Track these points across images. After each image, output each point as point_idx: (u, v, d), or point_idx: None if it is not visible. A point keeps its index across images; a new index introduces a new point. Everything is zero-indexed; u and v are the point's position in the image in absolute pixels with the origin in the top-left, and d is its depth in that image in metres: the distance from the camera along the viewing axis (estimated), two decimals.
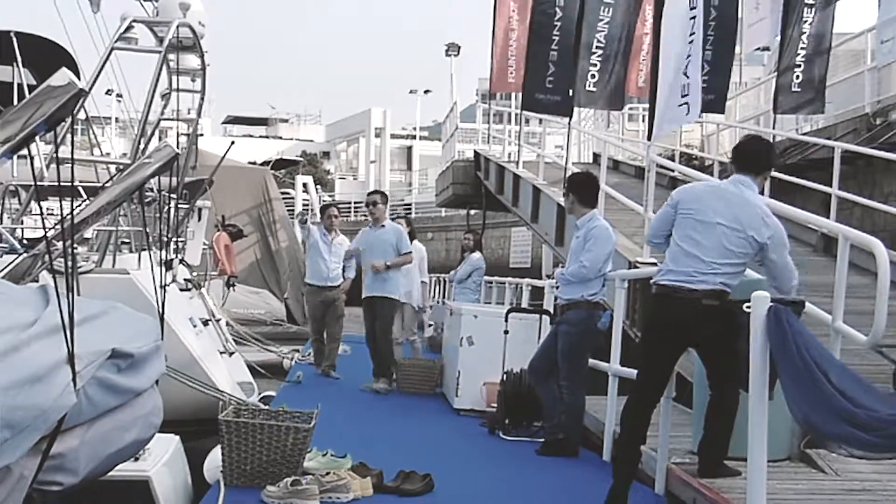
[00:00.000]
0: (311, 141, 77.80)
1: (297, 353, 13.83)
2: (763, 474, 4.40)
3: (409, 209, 45.19)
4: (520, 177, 15.95)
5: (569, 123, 14.79)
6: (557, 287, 8.15)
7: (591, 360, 7.96)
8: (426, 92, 68.26)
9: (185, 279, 11.70)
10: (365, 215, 50.29)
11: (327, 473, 6.07)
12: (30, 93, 3.99)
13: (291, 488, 5.74)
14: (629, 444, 5.98)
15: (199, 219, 16.43)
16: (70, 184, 3.88)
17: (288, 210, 26.24)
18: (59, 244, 5.45)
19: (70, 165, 3.84)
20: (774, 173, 12.92)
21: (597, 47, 13.57)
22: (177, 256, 11.82)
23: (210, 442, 6.90)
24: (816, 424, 3.99)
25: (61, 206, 3.93)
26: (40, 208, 9.05)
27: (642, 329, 6.50)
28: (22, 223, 11.78)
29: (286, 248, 22.51)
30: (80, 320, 3.24)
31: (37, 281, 6.05)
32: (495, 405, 9.00)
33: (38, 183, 8.54)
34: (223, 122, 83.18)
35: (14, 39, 11.01)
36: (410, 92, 67.97)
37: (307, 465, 6.29)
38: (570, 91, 14.09)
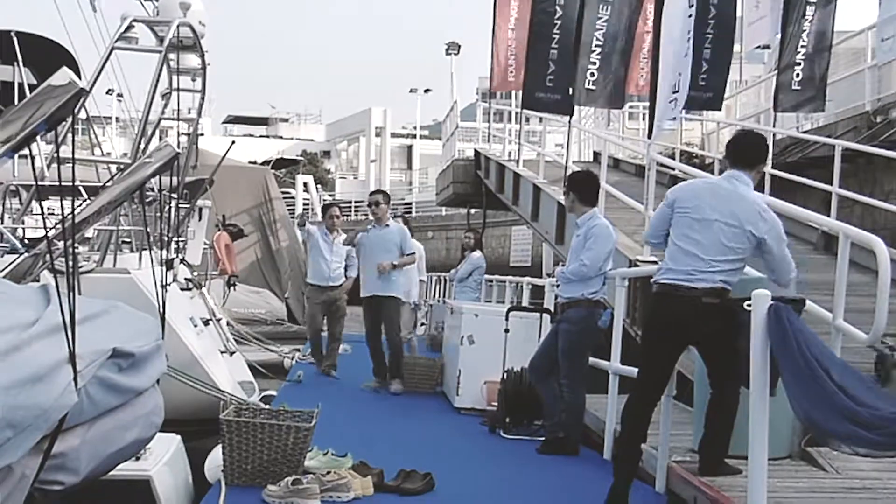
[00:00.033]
0: (312, 140, 77.83)
1: (298, 353, 13.83)
2: (764, 472, 4.40)
3: (410, 208, 45.22)
4: (520, 175, 15.95)
5: (569, 122, 14.79)
6: (558, 285, 8.15)
7: (591, 359, 7.96)
8: (426, 91, 68.32)
9: (185, 279, 11.69)
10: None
11: (328, 472, 6.07)
12: (30, 92, 3.99)
13: (292, 487, 5.74)
14: (630, 443, 5.98)
15: (200, 218, 16.42)
16: (71, 183, 3.88)
17: (288, 209, 26.25)
18: (60, 244, 5.46)
19: (71, 165, 3.84)
20: (775, 171, 12.96)
21: (596, 45, 13.57)
22: (177, 256, 11.82)
23: (211, 441, 6.90)
24: (818, 422, 3.99)
25: (62, 205, 3.93)
26: (41, 208, 9.06)
27: (643, 328, 6.50)
28: (23, 223, 11.79)
29: (287, 247, 22.49)
30: (81, 320, 3.24)
31: (38, 280, 6.05)
32: (496, 404, 9.00)
33: (39, 182, 8.54)
34: (223, 122, 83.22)
35: (15, 39, 11.01)
36: (410, 91, 68.05)
37: (308, 465, 6.29)
38: (571, 89, 14.09)
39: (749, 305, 4.46)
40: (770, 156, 13.25)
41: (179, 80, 11.30)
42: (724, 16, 14.16)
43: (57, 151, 7.92)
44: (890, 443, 3.72)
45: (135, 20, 10.53)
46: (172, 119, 11.30)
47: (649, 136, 9.98)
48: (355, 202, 53.05)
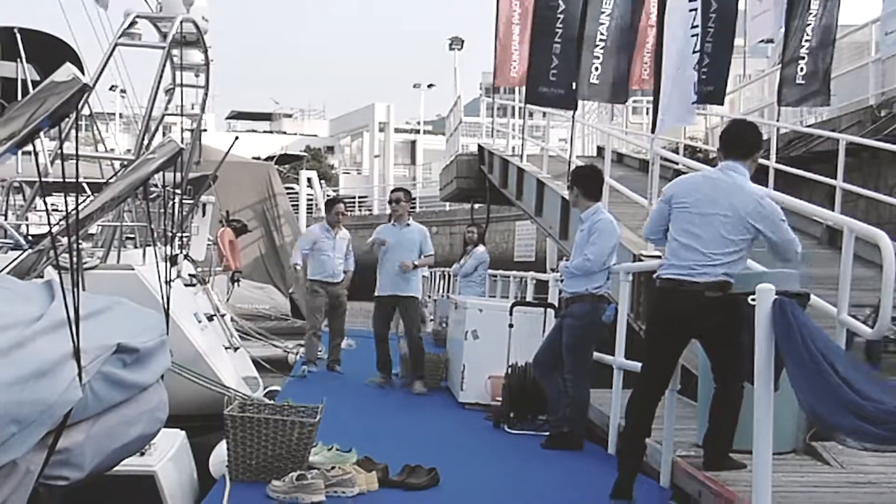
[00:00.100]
0: (315, 136, 77.73)
1: (302, 348, 13.84)
2: (768, 467, 4.40)
3: (413, 204, 45.19)
4: (524, 170, 15.94)
5: (572, 117, 14.77)
6: (562, 280, 8.15)
7: (595, 354, 7.95)
8: (430, 86, 68.32)
9: (189, 274, 11.69)
10: (369, 210, 50.46)
11: (333, 468, 6.08)
12: (33, 89, 3.99)
13: (297, 483, 5.75)
14: (634, 437, 5.98)
15: (204, 214, 16.41)
16: (74, 180, 3.88)
17: (292, 205, 26.25)
18: (64, 240, 5.46)
19: (74, 161, 3.85)
20: (779, 165, 12.96)
21: (600, 40, 13.55)
22: (181, 252, 11.82)
23: (215, 437, 6.92)
24: (823, 416, 3.99)
25: (66, 202, 3.94)
26: (45, 204, 9.05)
27: (646, 323, 6.50)
28: (27, 219, 11.78)
29: (291, 243, 22.50)
30: (85, 315, 3.24)
31: (42, 277, 6.05)
32: (500, 399, 9.01)
33: (43, 179, 8.56)
34: (227, 118, 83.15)
35: (18, 35, 11.00)
36: (414, 86, 68.02)
37: (312, 460, 6.30)
38: (574, 84, 14.07)
39: (753, 300, 4.46)
40: (773, 149, 13.30)
41: (183, 76, 11.29)
42: (726, 9, 14.12)
43: (60, 148, 7.91)
44: (895, 437, 3.72)
45: (138, 16, 10.51)
46: (176, 115, 11.32)
47: (653, 131, 9.96)
48: (359, 197, 53.08)
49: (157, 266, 5.79)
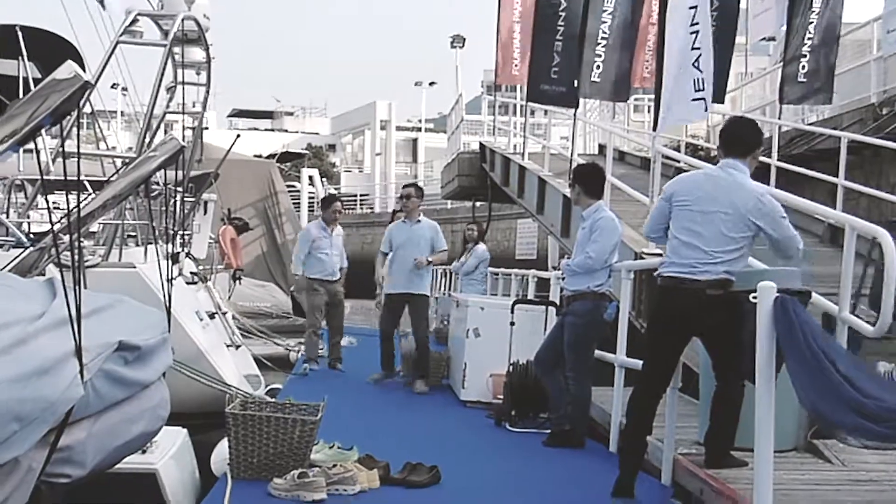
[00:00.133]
0: (317, 134, 77.78)
1: (303, 346, 13.83)
2: (770, 465, 4.40)
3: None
4: (525, 168, 15.93)
5: (574, 114, 14.77)
6: (563, 278, 8.15)
7: (597, 352, 7.96)
8: (431, 84, 68.28)
9: (191, 272, 11.70)
10: (371, 208, 50.47)
11: (334, 465, 6.08)
12: (35, 86, 3.99)
13: (298, 480, 5.75)
14: (635, 435, 5.98)
15: (205, 212, 16.40)
16: (76, 178, 3.88)
17: (294, 203, 26.26)
18: (66, 238, 5.46)
19: (76, 159, 3.84)
20: (780, 163, 12.95)
21: (602, 38, 13.55)
22: (183, 250, 11.81)
23: (217, 435, 6.91)
24: (825, 413, 3.99)
25: (67, 199, 3.94)
26: (46, 202, 9.07)
27: (647, 321, 6.50)
28: (28, 217, 11.79)
29: (292, 241, 22.50)
30: (86, 313, 3.24)
31: (43, 274, 6.05)
32: (501, 397, 9.01)
33: (45, 177, 8.55)
34: (229, 116, 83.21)
35: (19, 33, 10.99)
36: (415, 84, 68.00)
37: (314, 458, 6.30)
38: (576, 82, 14.08)
39: (755, 298, 4.45)
40: (775, 147, 13.29)
41: (184, 74, 11.29)
42: (727, 7, 14.14)
43: (62, 145, 7.91)
44: None
45: (139, 14, 10.53)
46: (177, 113, 11.31)
47: (654, 129, 9.96)
48: (360, 196, 53.11)
49: (159, 264, 5.79)
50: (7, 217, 10.79)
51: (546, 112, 18.01)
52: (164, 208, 9.81)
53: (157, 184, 9.47)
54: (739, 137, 5.97)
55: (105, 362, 3.31)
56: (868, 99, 14.08)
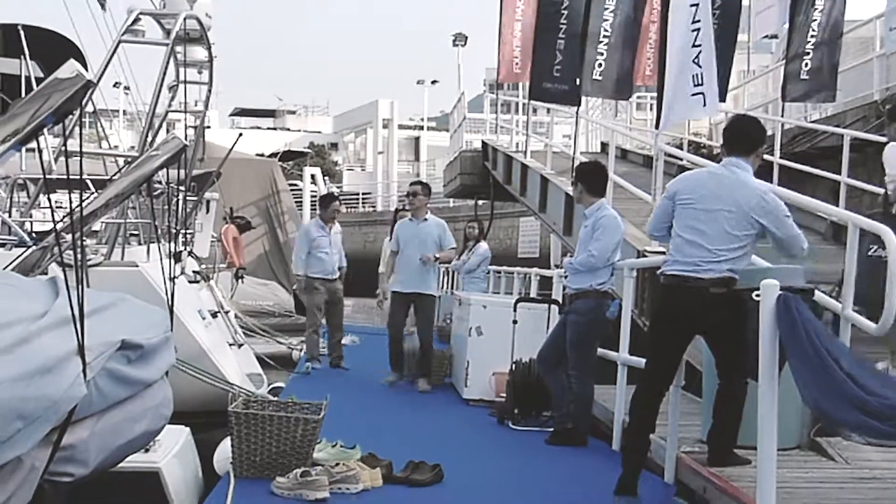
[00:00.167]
0: (319, 132, 77.86)
1: (305, 345, 13.83)
2: (773, 463, 4.40)
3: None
4: (528, 166, 15.93)
5: (576, 113, 14.77)
6: (566, 277, 8.15)
7: (599, 350, 7.96)
8: (433, 82, 68.24)
9: (193, 271, 11.71)
10: (373, 206, 50.48)
11: (337, 464, 6.08)
12: (37, 85, 3.98)
13: (301, 479, 5.75)
14: (638, 434, 5.97)
15: (208, 211, 16.43)
16: (78, 176, 3.88)
17: (296, 202, 26.27)
18: (68, 237, 5.46)
19: (78, 158, 3.85)
20: (783, 161, 12.94)
21: (603, 36, 13.55)
22: (185, 249, 11.82)
23: (220, 433, 6.92)
24: (828, 411, 3.99)
25: (70, 198, 3.93)
26: (49, 201, 9.05)
27: (650, 319, 6.50)
28: (31, 216, 11.78)
29: (294, 239, 22.52)
30: (89, 312, 3.24)
31: (46, 273, 6.06)
32: (504, 395, 9.01)
33: (47, 176, 8.54)
34: (231, 115, 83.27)
35: (21, 32, 11.00)
36: (418, 83, 67.97)
37: (316, 457, 6.30)
38: (578, 80, 14.07)
39: (758, 295, 4.45)
40: (777, 145, 13.29)
41: (186, 73, 11.29)
42: (729, 5, 14.12)
43: (65, 144, 7.92)
44: None
45: (141, 13, 10.53)
46: (179, 111, 11.29)
47: (657, 127, 9.96)
48: (363, 194, 53.12)
49: (161, 263, 5.81)
50: (10, 216, 10.79)
51: (548, 110, 18.03)
52: (166, 207, 9.82)
53: (160, 183, 9.48)
54: (743, 136, 5.96)
55: (108, 361, 3.31)
56: (871, 96, 14.07)
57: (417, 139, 71.13)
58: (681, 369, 6.11)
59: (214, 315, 11.00)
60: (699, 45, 8.94)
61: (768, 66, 21.43)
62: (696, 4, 8.99)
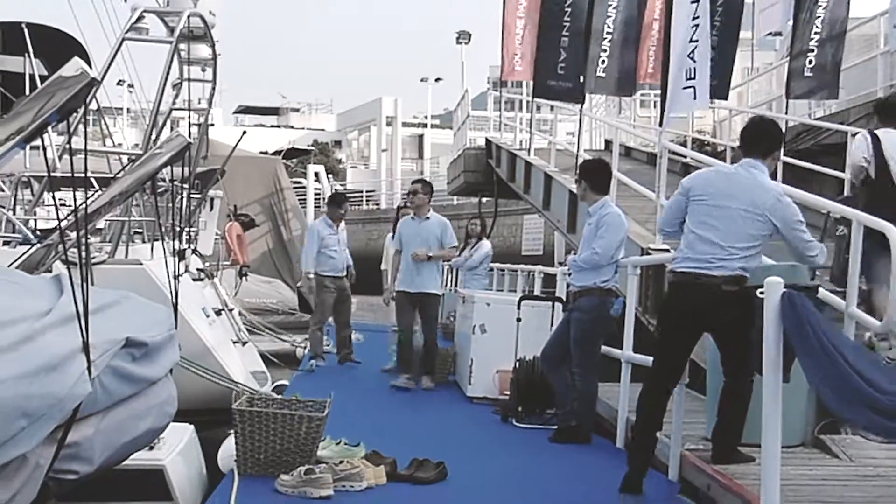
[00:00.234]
0: (323, 130, 77.88)
1: (308, 342, 13.83)
2: (777, 460, 4.39)
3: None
4: (531, 164, 15.92)
5: (580, 110, 14.76)
6: (570, 274, 8.14)
7: (603, 347, 7.96)
8: (437, 80, 68.25)
9: (197, 269, 11.70)
10: (377, 204, 50.51)
11: (341, 462, 6.09)
12: (41, 83, 3.99)
13: (305, 477, 5.76)
14: (645, 431, 5.97)
15: (212, 209, 16.44)
16: (82, 174, 3.88)
17: (300, 199, 26.26)
18: (73, 234, 5.47)
19: (82, 156, 3.84)
20: (787, 158, 12.89)
21: (607, 33, 13.55)
22: (189, 246, 11.83)
23: (224, 431, 6.93)
24: (839, 409, 3.98)
25: (74, 196, 3.93)
26: (53, 199, 9.06)
27: (659, 315, 6.47)
28: (35, 214, 11.79)
29: (298, 237, 22.51)
30: (94, 309, 3.25)
31: (50, 271, 6.06)
32: (508, 393, 9.00)
33: (51, 173, 8.56)
34: (235, 112, 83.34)
35: (25, 30, 11.00)
36: (421, 80, 67.99)
37: (321, 454, 6.31)
38: (582, 77, 14.07)
39: (762, 293, 4.44)
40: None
41: (190, 71, 11.29)
42: (732, 2, 14.11)
43: (69, 142, 7.95)
44: None
45: (145, 11, 10.52)
46: (183, 109, 11.30)
47: (661, 124, 9.95)
48: (366, 192, 53.11)
49: (166, 260, 5.80)
50: (14, 214, 10.80)
51: (552, 108, 17.99)
52: (170, 205, 9.84)
53: (164, 180, 9.52)
54: (761, 137, 5.97)
55: (112, 359, 3.32)
56: (875, 93, 14.02)
57: (421, 137, 71.12)
58: (685, 367, 6.11)
59: (218, 313, 11.00)
60: (696, 41, 8.98)
61: (772, 64, 21.40)
62: (697, 1, 9.01)
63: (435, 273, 11.02)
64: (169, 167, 6.67)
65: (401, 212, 12.75)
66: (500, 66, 18.35)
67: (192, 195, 11.70)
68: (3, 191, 13.45)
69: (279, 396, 7.47)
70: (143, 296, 4.12)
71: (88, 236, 6.36)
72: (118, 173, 8.55)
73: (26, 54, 10.90)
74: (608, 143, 19.50)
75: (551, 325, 9.11)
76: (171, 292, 5.49)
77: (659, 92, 10.65)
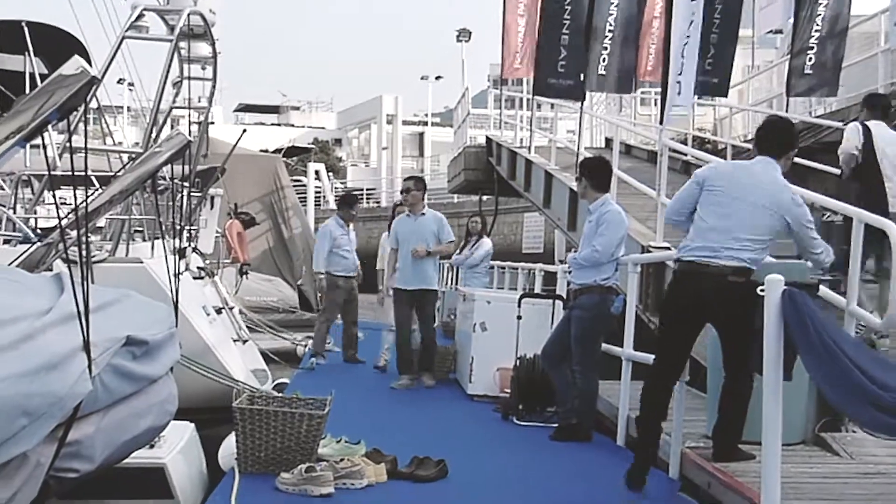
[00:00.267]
0: (323, 128, 77.85)
1: (311, 341, 13.84)
2: (778, 458, 4.39)
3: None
4: (532, 162, 15.91)
5: (581, 108, 14.76)
6: (570, 272, 8.14)
7: (604, 345, 7.96)
8: (437, 78, 68.26)
9: (198, 267, 11.71)
10: (378, 202, 50.49)
11: (341, 460, 6.08)
12: (41, 82, 3.99)
13: (306, 475, 5.76)
14: (649, 425, 5.99)
15: (212, 207, 16.45)
16: (83, 173, 3.88)
17: (300, 197, 26.27)
18: (73, 233, 5.47)
19: (83, 154, 3.84)
20: None
21: (608, 31, 13.56)
22: (190, 245, 11.84)
23: (224, 429, 6.93)
24: (841, 406, 3.98)
25: (74, 195, 3.93)
26: (54, 197, 9.06)
27: (662, 306, 6.46)
28: (35, 212, 11.80)
29: (299, 235, 22.55)
30: (94, 308, 3.25)
31: (51, 270, 6.07)
32: (509, 391, 9.00)
33: (52, 172, 8.56)
34: (235, 110, 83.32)
35: (25, 29, 11.00)
36: (422, 78, 67.98)
37: (321, 452, 6.31)
38: (582, 75, 14.07)
39: (762, 291, 4.44)
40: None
41: (190, 69, 11.30)
42: (731, 1, 14.13)
43: (69, 141, 7.93)
44: None
45: (145, 9, 10.53)
46: (183, 108, 11.32)
47: (661, 122, 9.95)
48: (367, 190, 53.09)
49: (166, 259, 5.81)
50: (14, 212, 10.81)
51: (552, 106, 17.99)
52: (170, 203, 9.84)
53: (164, 179, 9.52)
54: (778, 137, 6.01)
55: (113, 357, 3.32)
56: (875, 91, 14.02)
57: (421, 135, 71.08)
58: (686, 365, 6.11)
59: (219, 311, 11.01)
60: (688, 37, 9.03)
61: (773, 61, 21.39)
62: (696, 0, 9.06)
63: (432, 269, 10.96)
64: (169, 165, 6.67)
65: (396, 209, 12.75)
66: (501, 64, 18.37)
67: (192, 193, 11.71)
68: (3, 189, 13.45)
69: (280, 394, 7.47)
70: (144, 294, 4.13)
71: (89, 235, 6.36)
72: (118, 172, 8.55)
73: (26, 53, 10.89)
74: (608, 141, 19.49)
75: (552, 322, 9.11)
76: (171, 290, 5.49)
77: (659, 90, 10.67)
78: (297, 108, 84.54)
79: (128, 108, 43.08)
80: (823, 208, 7.33)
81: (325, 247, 12.25)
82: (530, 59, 16.09)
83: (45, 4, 19.64)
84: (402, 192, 11.46)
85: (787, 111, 14.43)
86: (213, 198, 16.26)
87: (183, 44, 10.33)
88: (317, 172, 33.86)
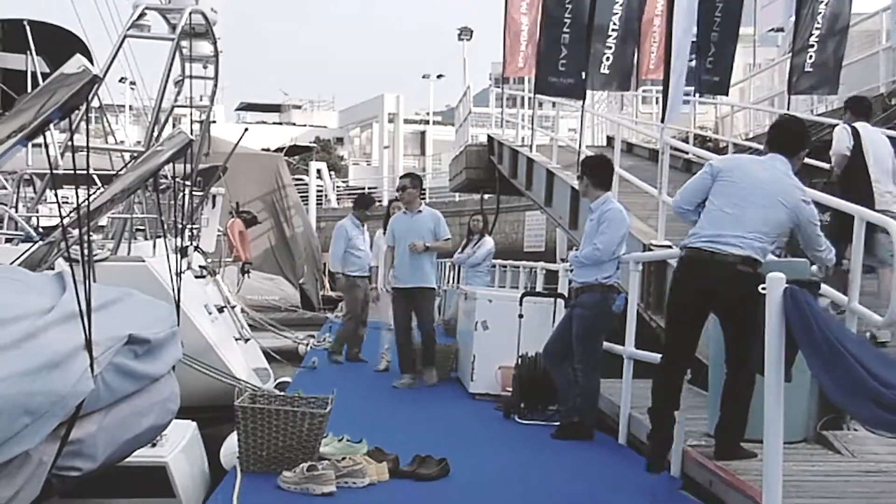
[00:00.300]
0: (325, 127, 77.79)
1: (313, 339, 13.85)
2: (779, 456, 4.39)
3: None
4: (533, 160, 15.92)
5: (582, 106, 14.76)
6: (572, 270, 8.14)
7: (605, 343, 7.95)
8: (439, 77, 68.19)
9: (200, 266, 11.72)
10: (379, 200, 50.48)
11: (343, 458, 6.08)
12: (43, 81, 3.99)
13: (307, 474, 5.76)
14: (661, 412, 6.02)
15: (214, 206, 16.43)
16: (85, 172, 3.89)
17: (302, 196, 26.27)
18: (75, 232, 5.48)
19: (85, 153, 3.85)
20: None
21: (612, 30, 13.57)
22: (192, 243, 11.85)
23: (226, 428, 6.93)
24: (842, 403, 3.98)
25: (76, 193, 3.94)
26: (55, 196, 9.08)
27: (669, 296, 6.45)
28: (37, 211, 11.81)
29: (301, 234, 22.54)
30: (96, 307, 3.25)
31: (53, 268, 6.07)
32: (510, 389, 9.01)
33: (53, 171, 8.57)
34: (236, 109, 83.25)
35: (27, 27, 11.01)
36: (423, 77, 67.92)
37: (323, 451, 6.30)
38: (583, 74, 14.08)
39: (764, 289, 4.44)
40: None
41: (192, 68, 11.29)
42: (731, 0, 14.15)
43: (71, 139, 7.92)
44: None
45: (147, 8, 10.53)
46: (185, 106, 11.31)
47: (662, 121, 9.95)
48: (368, 188, 53.08)
49: (168, 258, 5.81)
50: (16, 211, 10.82)
51: (554, 104, 17.99)
52: (172, 202, 9.84)
53: (166, 177, 9.51)
54: (791, 136, 6.05)
55: (115, 356, 3.33)
56: (877, 89, 14.03)
57: (423, 133, 71.03)
58: (694, 351, 6.14)
59: (221, 310, 11.02)
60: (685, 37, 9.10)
61: (774, 60, 21.39)
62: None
63: (430, 266, 10.87)
64: (171, 164, 6.67)
65: (391, 205, 12.74)
66: (502, 63, 18.38)
67: (194, 192, 11.72)
68: (5, 188, 13.48)
69: (281, 393, 7.47)
70: (146, 293, 4.13)
71: (91, 233, 6.37)
72: (120, 170, 8.55)
73: (28, 51, 10.90)
74: (610, 140, 19.50)
75: (553, 321, 9.11)
76: (173, 289, 5.49)
77: (661, 88, 10.67)
78: (299, 107, 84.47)
79: (129, 106, 43.03)
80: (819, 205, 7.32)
81: (340, 247, 12.37)
82: (532, 57, 16.10)
83: (47, 3, 19.64)
84: (397, 190, 11.47)
85: (788, 109, 14.44)
86: (214, 196, 16.25)
87: (185, 43, 10.32)
88: (318, 171, 33.82)
